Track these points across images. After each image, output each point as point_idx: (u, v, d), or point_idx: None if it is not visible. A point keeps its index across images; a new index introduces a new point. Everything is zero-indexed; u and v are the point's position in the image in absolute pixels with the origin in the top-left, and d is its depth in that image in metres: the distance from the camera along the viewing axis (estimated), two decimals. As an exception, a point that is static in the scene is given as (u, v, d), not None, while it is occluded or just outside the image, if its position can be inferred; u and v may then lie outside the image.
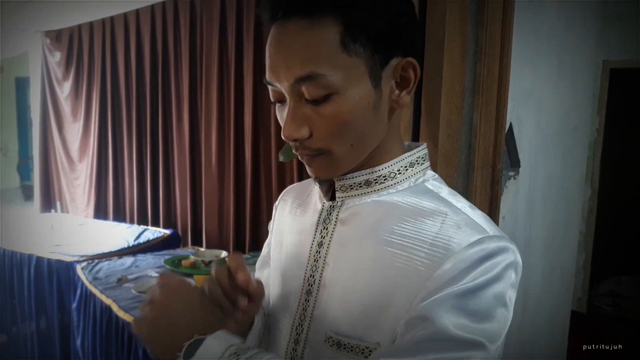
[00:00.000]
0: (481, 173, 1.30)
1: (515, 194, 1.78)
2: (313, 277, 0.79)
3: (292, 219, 0.90)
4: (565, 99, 2.12)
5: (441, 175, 0.97)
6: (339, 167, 0.75)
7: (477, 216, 0.71)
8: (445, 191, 0.76)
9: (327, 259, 0.78)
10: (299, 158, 0.76)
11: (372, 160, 0.76)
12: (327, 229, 0.79)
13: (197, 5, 3.58)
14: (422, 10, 1.14)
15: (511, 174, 1.76)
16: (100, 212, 4.61)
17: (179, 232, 3.85)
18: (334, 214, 0.79)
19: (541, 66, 1.83)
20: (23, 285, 3.40)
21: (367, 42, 0.67)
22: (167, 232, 3.74)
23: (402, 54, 0.71)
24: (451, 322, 0.63)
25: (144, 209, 4.15)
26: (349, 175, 0.77)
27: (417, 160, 0.78)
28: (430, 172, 0.79)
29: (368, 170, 0.76)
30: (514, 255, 0.68)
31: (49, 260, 3.24)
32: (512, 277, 0.68)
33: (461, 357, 0.62)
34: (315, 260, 0.79)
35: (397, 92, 0.72)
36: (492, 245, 0.66)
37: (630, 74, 4.26)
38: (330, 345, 0.74)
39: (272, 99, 0.75)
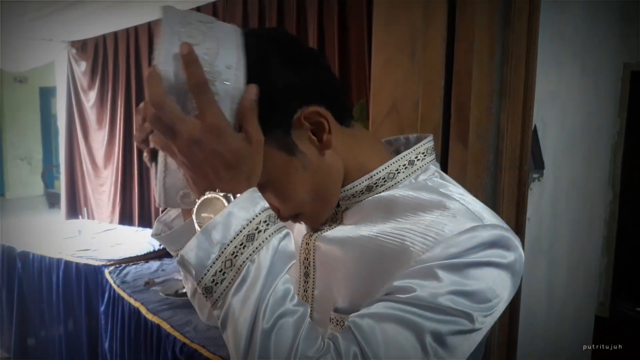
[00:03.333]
0: (509, 174, 1.32)
1: (539, 195, 1.79)
2: (307, 259, 0.81)
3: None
4: (589, 100, 2.12)
5: (470, 176, 0.98)
6: (320, 217, 0.79)
7: (476, 205, 0.70)
8: (446, 187, 0.75)
9: (317, 242, 0.79)
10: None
11: (356, 176, 0.77)
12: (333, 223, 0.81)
13: (219, 11, 3.64)
14: (451, 10, 1.17)
15: (535, 175, 1.77)
16: (125, 218, 4.69)
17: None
18: (339, 213, 0.80)
19: (565, 67, 1.84)
20: (52, 289, 3.47)
21: None
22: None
23: (299, 107, 0.69)
24: (433, 288, 0.62)
25: (168, 214, 4.21)
26: (348, 187, 0.77)
27: (417, 157, 0.78)
28: (432, 168, 0.79)
29: (366, 176, 0.76)
30: (510, 244, 0.66)
31: (77, 264, 3.30)
32: (507, 277, 0.66)
33: (442, 321, 0.61)
34: (307, 243, 0.81)
35: (315, 138, 0.71)
36: (485, 233, 0.65)
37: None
38: (335, 325, 0.76)
39: None
